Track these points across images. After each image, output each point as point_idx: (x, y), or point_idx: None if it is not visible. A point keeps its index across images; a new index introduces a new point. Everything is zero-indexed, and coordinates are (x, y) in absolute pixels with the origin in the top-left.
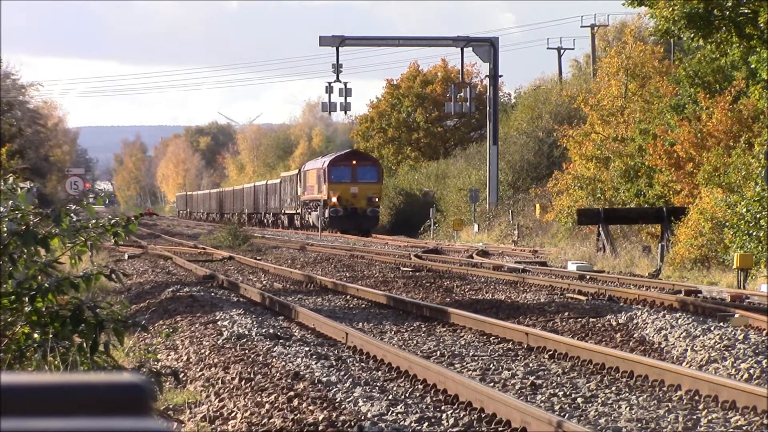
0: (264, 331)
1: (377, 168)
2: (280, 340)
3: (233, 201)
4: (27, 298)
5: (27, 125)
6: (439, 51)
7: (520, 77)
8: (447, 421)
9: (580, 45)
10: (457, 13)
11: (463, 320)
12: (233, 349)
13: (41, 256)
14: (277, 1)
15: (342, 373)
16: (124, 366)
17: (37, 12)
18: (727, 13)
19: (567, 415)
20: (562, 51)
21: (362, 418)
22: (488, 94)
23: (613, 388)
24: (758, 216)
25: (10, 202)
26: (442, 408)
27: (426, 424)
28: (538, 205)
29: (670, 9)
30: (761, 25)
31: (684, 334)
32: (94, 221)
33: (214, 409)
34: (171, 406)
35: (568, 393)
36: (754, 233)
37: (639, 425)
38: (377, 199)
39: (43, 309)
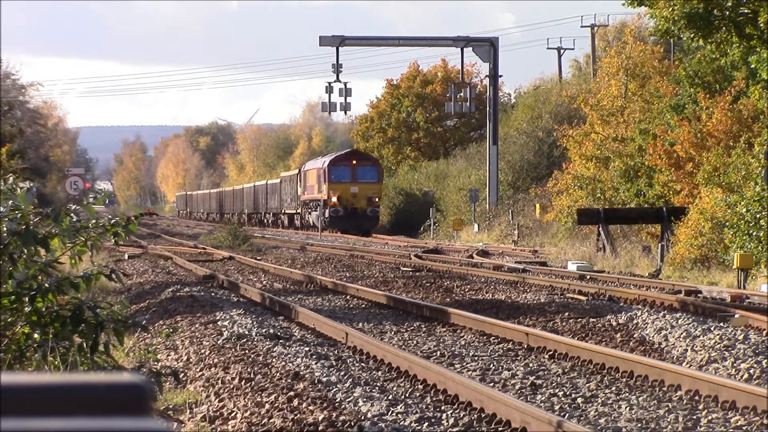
0: (264, 331)
1: (377, 168)
2: (280, 340)
3: (233, 201)
4: (27, 298)
5: (27, 125)
6: (439, 51)
7: (520, 77)
8: (447, 421)
9: (580, 45)
10: (457, 13)
11: (463, 320)
12: (233, 349)
13: (41, 256)
14: (277, 1)
15: (342, 373)
16: (124, 366)
17: (37, 12)
18: (727, 13)
19: (567, 415)
20: (562, 51)
21: (362, 418)
22: (488, 94)
23: (613, 388)
24: (758, 216)
25: (10, 202)
26: (442, 408)
27: (426, 424)
28: (538, 205)
29: (670, 9)
30: (761, 25)
31: (684, 334)
32: (94, 221)
33: (214, 409)
34: (171, 406)
35: (568, 393)
36: (754, 233)
37: (639, 425)
38: (377, 199)
39: (43, 309)
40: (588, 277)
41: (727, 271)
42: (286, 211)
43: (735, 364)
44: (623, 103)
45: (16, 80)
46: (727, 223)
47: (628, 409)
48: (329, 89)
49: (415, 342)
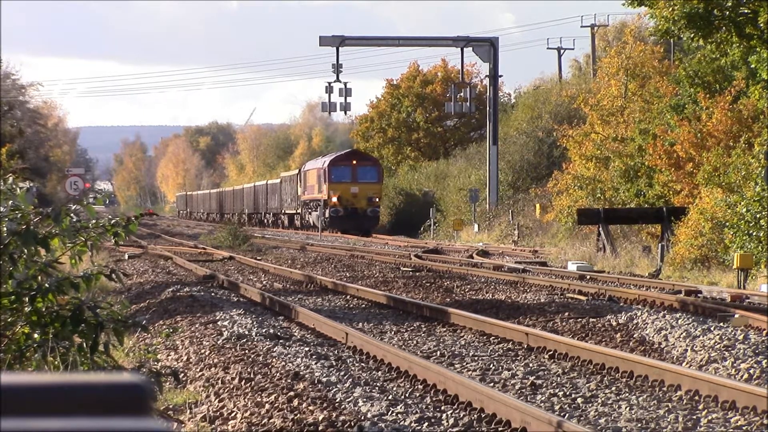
0: (264, 331)
1: (377, 168)
2: (280, 340)
3: (233, 201)
4: (27, 298)
5: (27, 125)
6: (439, 51)
7: (520, 77)
8: (447, 421)
9: (580, 45)
10: (457, 13)
11: (463, 320)
12: (233, 349)
13: (41, 256)
14: (277, 1)
15: (342, 373)
16: (124, 366)
17: (37, 12)
18: (727, 13)
19: (567, 415)
20: (562, 51)
21: (362, 418)
22: (488, 94)
23: (613, 388)
24: (758, 216)
25: (10, 202)
26: (442, 408)
27: (426, 424)
28: (538, 205)
29: (670, 9)
30: (761, 25)
31: (684, 334)
32: (94, 221)
33: (214, 409)
34: (171, 406)
35: (568, 393)
36: (754, 233)
37: (639, 425)
38: (377, 199)
39: (43, 309)
40: (588, 277)
41: (727, 271)
42: (286, 211)
43: (735, 364)
44: (623, 103)
45: (16, 80)
46: (727, 223)
47: (628, 409)
48: (329, 89)
49: (415, 342)
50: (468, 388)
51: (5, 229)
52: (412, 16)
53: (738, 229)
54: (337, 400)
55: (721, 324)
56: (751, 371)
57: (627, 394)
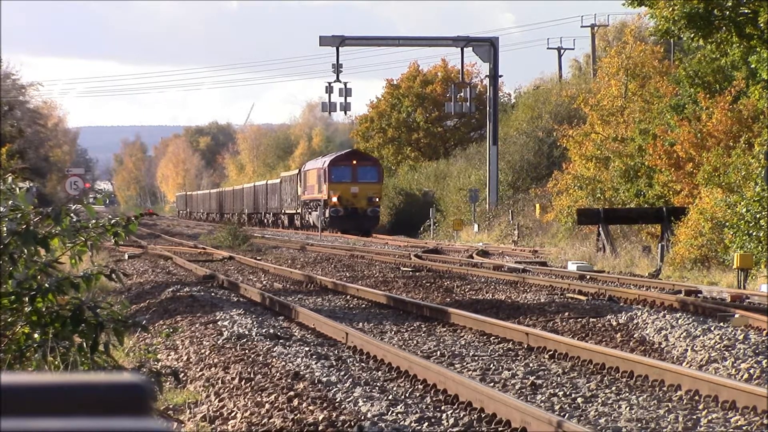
0: (264, 331)
1: (378, 168)
2: (280, 340)
3: (233, 201)
4: (27, 298)
5: (27, 125)
6: (439, 51)
7: (520, 77)
8: (447, 421)
9: (580, 45)
10: (457, 13)
11: (463, 320)
12: (233, 349)
13: (41, 256)
14: (277, 1)
15: (342, 373)
16: (124, 366)
17: (37, 12)
18: (727, 13)
19: (567, 415)
20: (562, 51)
21: (362, 418)
22: (488, 94)
23: (613, 388)
24: (758, 216)
25: (10, 202)
26: (442, 408)
27: (426, 424)
28: (538, 205)
29: (670, 9)
30: (761, 25)
31: (684, 334)
32: (94, 221)
33: (214, 409)
34: (171, 406)
35: (568, 393)
36: (754, 233)
37: (639, 425)
38: (378, 199)
39: (43, 309)
40: (588, 277)
41: (727, 271)
42: (286, 211)
43: (735, 364)
44: (623, 103)
45: (16, 80)
46: (727, 223)
47: (628, 409)
48: (329, 89)
49: (415, 342)
50: (468, 388)
51: (5, 229)
52: (412, 16)
53: (738, 229)
54: (337, 400)
55: (721, 324)
56: (751, 371)
57: (627, 394)
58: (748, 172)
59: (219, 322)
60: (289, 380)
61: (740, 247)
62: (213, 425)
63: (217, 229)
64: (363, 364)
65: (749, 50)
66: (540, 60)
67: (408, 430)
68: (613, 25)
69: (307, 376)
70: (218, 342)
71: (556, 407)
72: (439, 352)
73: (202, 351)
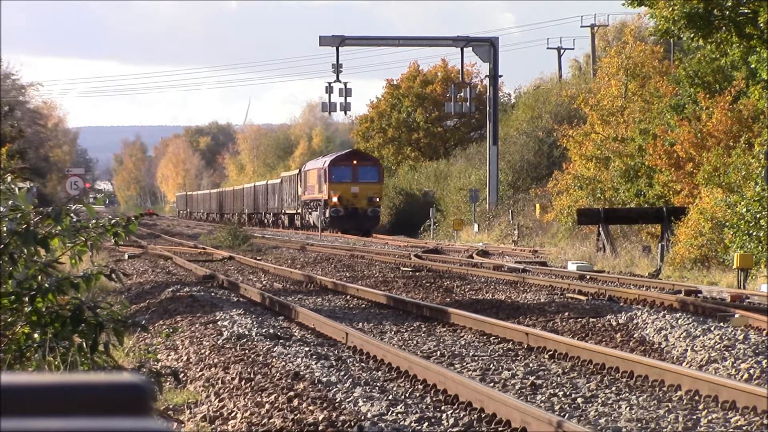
0: (264, 331)
1: (378, 168)
2: (280, 340)
3: (233, 201)
4: (27, 298)
5: (27, 125)
6: (439, 51)
7: (520, 77)
8: (447, 421)
9: (580, 45)
10: (457, 13)
11: (463, 320)
12: (233, 349)
13: (41, 256)
14: (277, 1)
15: (342, 373)
16: (124, 366)
17: (37, 12)
18: (727, 13)
19: (567, 415)
20: (562, 51)
21: (362, 418)
22: (488, 94)
23: (613, 388)
24: (758, 216)
25: (10, 202)
26: (442, 408)
27: (426, 424)
28: (538, 205)
29: (670, 9)
30: (761, 25)
31: (684, 334)
32: (94, 221)
33: (214, 409)
34: (171, 406)
35: (568, 393)
36: (754, 233)
37: (639, 425)
38: (378, 199)
39: (43, 309)
40: (588, 277)
41: (727, 271)
42: (287, 211)
43: (735, 364)
44: (623, 103)
45: (16, 80)
46: (727, 223)
47: (628, 409)
48: (329, 89)
49: (415, 342)
50: (468, 388)
51: (5, 229)
52: (412, 16)
53: (738, 229)
54: (337, 400)
55: (721, 324)
56: (751, 371)
57: (627, 394)
58: (748, 172)
59: (219, 322)
60: (289, 380)
61: (740, 247)
62: (213, 425)
63: (217, 229)
64: (363, 364)
65: (749, 50)
66: (540, 60)
67: (408, 430)
68: (613, 25)
69: (307, 376)
70: (218, 342)
71: (556, 407)
72: (439, 352)
73: (202, 351)
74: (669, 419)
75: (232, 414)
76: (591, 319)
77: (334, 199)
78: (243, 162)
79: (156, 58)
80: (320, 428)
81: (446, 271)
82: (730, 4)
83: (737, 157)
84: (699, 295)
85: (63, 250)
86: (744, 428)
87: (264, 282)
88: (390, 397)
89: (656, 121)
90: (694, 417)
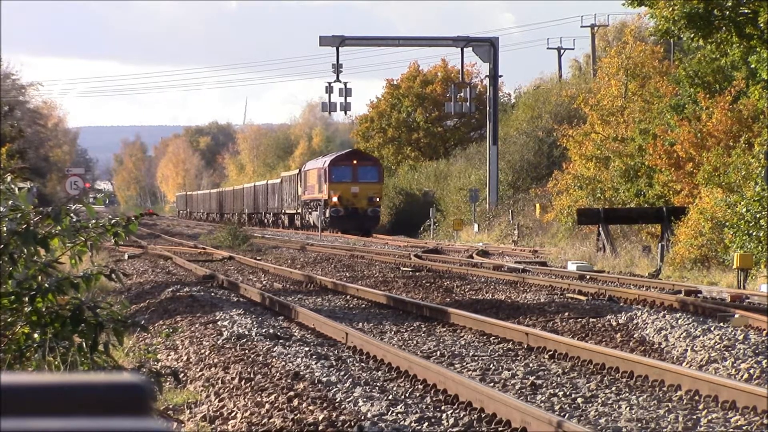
0: (264, 331)
1: (378, 168)
2: (280, 340)
3: (233, 201)
4: (27, 298)
5: (27, 125)
6: (439, 51)
7: (520, 77)
8: (447, 421)
9: (580, 45)
10: (457, 13)
11: (463, 320)
12: (233, 349)
13: (41, 256)
14: (277, 1)
15: (342, 373)
16: (124, 366)
17: (37, 12)
18: (727, 13)
19: (567, 415)
20: (562, 51)
21: (362, 418)
22: (488, 94)
23: (613, 388)
24: (758, 216)
25: (10, 202)
26: (442, 408)
27: (426, 424)
28: (538, 205)
29: (670, 9)
30: (761, 25)
31: (684, 334)
32: (94, 221)
33: (214, 409)
34: (171, 406)
35: (568, 393)
36: (754, 233)
37: (639, 425)
38: (378, 199)
39: (43, 309)
40: (588, 277)
41: (727, 271)
42: (287, 211)
43: (735, 364)
44: (623, 103)
45: (16, 80)
46: (727, 223)
47: (628, 409)
48: (329, 89)
49: (415, 342)
50: (468, 388)
51: (5, 229)
52: (412, 16)
53: (738, 229)
54: (337, 400)
55: (721, 324)
56: (751, 371)
57: (627, 394)
58: (748, 171)
59: (219, 322)
60: (289, 380)
61: (740, 247)
62: (213, 425)
63: (217, 229)
64: (363, 364)
65: (749, 50)
66: (540, 60)
67: (408, 430)
68: (613, 25)
69: (307, 376)
70: (218, 342)
71: (556, 407)
72: (439, 352)
73: (202, 351)
74: (669, 419)
75: (232, 414)
76: (591, 319)
77: (334, 199)
78: (243, 162)
79: (156, 58)
80: (320, 428)
81: (446, 271)
82: (730, 4)
83: (737, 157)
84: (699, 295)
85: (63, 250)
86: (744, 428)
87: (264, 282)
88: (390, 397)
89: (656, 121)
90: (694, 417)
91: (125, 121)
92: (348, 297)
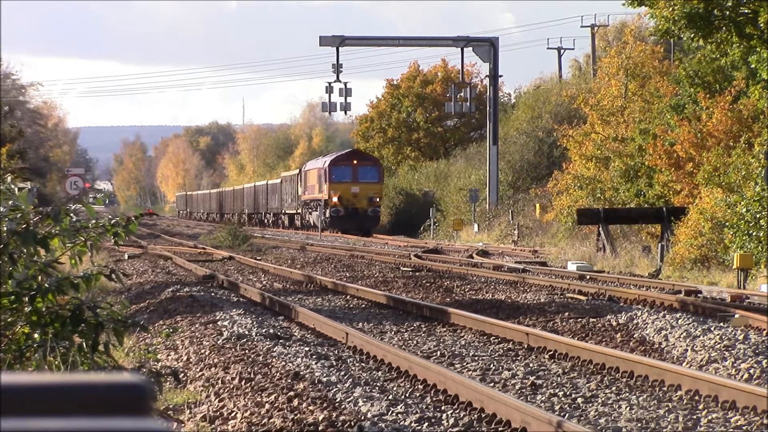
0: (264, 331)
1: (378, 168)
2: (280, 340)
3: (233, 201)
4: (27, 298)
5: (27, 125)
6: (439, 51)
7: (520, 77)
8: (447, 421)
9: (580, 45)
10: (457, 13)
11: (463, 320)
12: (233, 349)
13: (41, 256)
14: (277, 1)
15: (342, 373)
16: (124, 366)
17: (37, 12)
18: (727, 13)
19: (567, 415)
20: (562, 51)
21: (362, 418)
22: (488, 94)
23: (614, 388)
24: (758, 216)
25: (10, 202)
26: (442, 408)
27: (426, 424)
28: (538, 205)
29: (670, 9)
30: (761, 25)
31: (684, 334)
32: (94, 221)
33: (214, 409)
34: (171, 406)
35: (568, 393)
36: (754, 233)
37: (639, 425)
38: (378, 199)
39: (43, 309)
40: (588, 277)
41: (727, 271)
42: (287, 211)
43: (735, 364)
44: (623, 103)
45: (16, 80)
46: (727, 223)
47: (628, 409)
48: (329, 89)
49: (415, 342)
50: (468, 388)
51: (5, 229)
52: (412, 16)
53: (738, 229)
54: (337, 400)
55: (721, 324)
56: (751, 371)
57: (627, 394)
58: (748, 171)
59: (219, 322)
60: (289, 380)
61: (740, 247)
62: (213, 425)
63: (217, 229)
64: (363, 364)
65: (749, 50)
66: (540, 60)
67: (408, 430)
68: (613, 25)
69: (307, 376)
70: (218, 342)
71: (556, 407)
72: (439, 352)
73: (202, 351)
74: (669, 419)
75: (232, 414)
76: (591, 319)
77: (335, 199)
78: (243, 162)
79: (156, 58)
80: (320, 428)
81: (446, 271)
82: (730, 4)
83: (737, 157)
84: (699, 295)
85: (63, 250)
86: (744, 428)
87: (264, 282)
88: (390, 397)
89: (656, 121)
90: (694, 417)
91: (125, 121)
92: (348, 297)
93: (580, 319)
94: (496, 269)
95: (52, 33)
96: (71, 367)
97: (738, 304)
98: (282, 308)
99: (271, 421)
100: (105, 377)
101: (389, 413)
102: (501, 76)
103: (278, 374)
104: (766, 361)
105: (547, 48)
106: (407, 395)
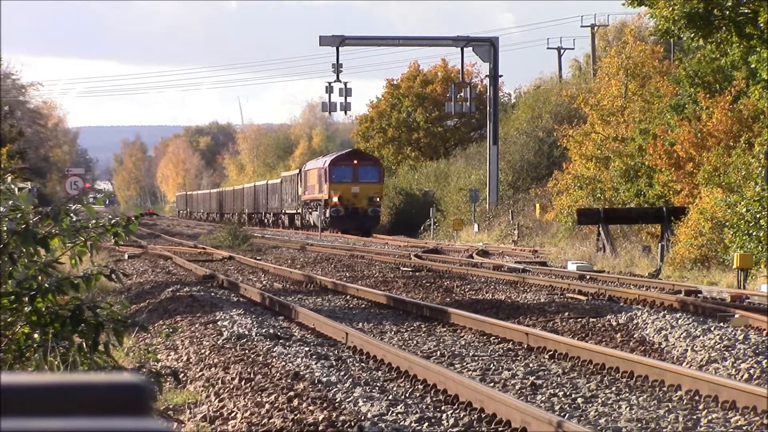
0: (264, 331)
1: (378, 168)
2: (280, 340)
3: (233, 201)
4: (27, 298)
5: (27, 125)
6: (439, 51)
7: (520, 77)
8: (447, 421)
9: (580, 45)
10: (457, 13)
11: (463, 320)
12: (233, 349)
13: (41, 256)
14: (277, 1)
15: (342, 373)
16: (124, 366)
17: (37, 12)
18: (727, 13)
19: (567, 415)
20: (562, 51)
21: (362, 418)
22: (488, 94)
23: (614, 388)
24: (758, 216)
25: (10, 202)
26: (442, 408)
27: (426, 424)
28: (538, 205)
29: (670, 9)
30: (761, 25)
31: (684, 334)
32: (94, 221)
33: (214, 409)
34: (171, 406)
35: (568, 393)
36: (754, 233)
37: (639, 425)
38: (378, 199)
39: (43, 309)
40: (588, 277)
41: (727, 271)
42: (287, 211)
43: (735, 364)
44: (623, 103)
45: (16, 80)
46: (727, 223)
47: (628, 409)
48: (329, 89)
49: (415, 342)
50: (468, 388)
51: (5, 229)
52: (412, 16)
53: (738, 229)
54: (337, 400)
55: (721, 324)
56: (751, 371)
57: (627, 394)
58: (748, 171)
59: (219, 322)
60: (289, 380)
61: (740, 247)
62: (213, 425)
63: (217, 229)
64: (363, 364)
65: (749, 50)
66: (540, 60)
67: (408, 431)
68: (613, 25)
69: (307, 376)
70: (218, 342)
71: (556, 407)
72: (439, 352)
73: (202, 351)
74: (669, 419)
75: (232, 414)
76: (591, 319)
77: (335, 199)
78: (243, 162)
79: (155, 58)
80: (320, 428)
81: (446, 271)
82: (730, 4)
83: (737, 157)
84: (699, 295)
85: (63, 250)
86: (744, 428)
87: (264, 282)
88: (390, 397)
89: (656, 121)
90: (694, 417)
91: (125, 121)
92: (348, 297)
93: (580, 319)
94: (496, 269)
95: (52, 33)
96: (71, 367)
97: (738, 304)
98: (282, 308)
99: (271, 421)
100: (105, 377)
101: (389, 413)
102: (501, 76)
103: (278, 374)
104: (766, 361)
105: (547, 48)
106: (407, 395)
